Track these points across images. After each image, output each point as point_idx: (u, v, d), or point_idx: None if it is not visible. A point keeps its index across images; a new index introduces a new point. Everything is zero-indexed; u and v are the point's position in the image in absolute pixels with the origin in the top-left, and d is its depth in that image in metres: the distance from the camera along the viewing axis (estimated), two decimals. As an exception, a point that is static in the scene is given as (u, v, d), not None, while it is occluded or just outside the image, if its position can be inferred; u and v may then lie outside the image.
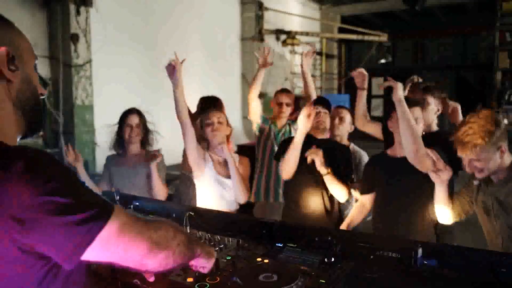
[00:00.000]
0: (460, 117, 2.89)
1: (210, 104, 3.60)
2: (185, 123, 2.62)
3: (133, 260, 0.91)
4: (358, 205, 2.70)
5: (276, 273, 1.42)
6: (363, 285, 1.43)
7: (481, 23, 10.49)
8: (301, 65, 3.51)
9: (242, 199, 2.74)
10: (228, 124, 2.88)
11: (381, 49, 10.12)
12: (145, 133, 3.14)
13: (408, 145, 2.31)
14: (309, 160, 2.67)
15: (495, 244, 2.06)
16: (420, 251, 1.59)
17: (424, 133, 2.59)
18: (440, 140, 2.38)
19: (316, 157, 2.65)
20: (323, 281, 1.41)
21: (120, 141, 3.11)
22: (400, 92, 2.34)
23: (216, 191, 2.75)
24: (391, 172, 2.50)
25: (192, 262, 1.21)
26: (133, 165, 3.06)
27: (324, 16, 10.61)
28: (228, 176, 2.74)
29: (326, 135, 2.95)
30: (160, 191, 3.00)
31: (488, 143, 1.89)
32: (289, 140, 2.87)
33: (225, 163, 2.77)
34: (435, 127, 2.89)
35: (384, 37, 9.73)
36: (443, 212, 2.26)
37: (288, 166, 2.77)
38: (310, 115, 2.69)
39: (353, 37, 9.73)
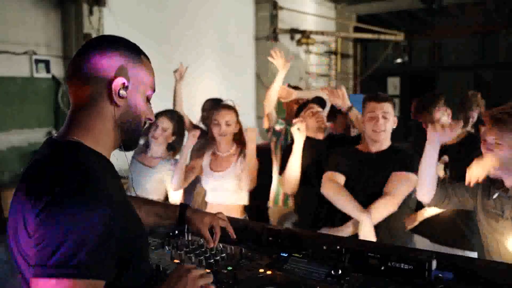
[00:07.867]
0: None
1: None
2: None
3: None
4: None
5: (278, 287, 1.33)
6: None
7: (500, 21, 10.23)
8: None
9: (249, 187, 2.77)
10: (237, 123, 2.84)
11: (397, 49, 9.90)
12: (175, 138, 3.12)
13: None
14: None
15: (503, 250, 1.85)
16: (434, 262, 1.49)
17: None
18: None
19: None
20: (329, 295, 1.33)
21: (145, 138, 3.11)
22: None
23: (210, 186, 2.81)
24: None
25: None
26: (152, 165, 3.03)
27: (340, 15, 10.46)
28: (221, 170, 2.77)
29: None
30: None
31: None
32: (289, 150, 2.78)
33: (223, 158, 2.81)
34: None
35: (400, 36, 9.54)
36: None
37: (291, 179, 2.69)
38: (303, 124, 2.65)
39: (369, 36, 9.57)
